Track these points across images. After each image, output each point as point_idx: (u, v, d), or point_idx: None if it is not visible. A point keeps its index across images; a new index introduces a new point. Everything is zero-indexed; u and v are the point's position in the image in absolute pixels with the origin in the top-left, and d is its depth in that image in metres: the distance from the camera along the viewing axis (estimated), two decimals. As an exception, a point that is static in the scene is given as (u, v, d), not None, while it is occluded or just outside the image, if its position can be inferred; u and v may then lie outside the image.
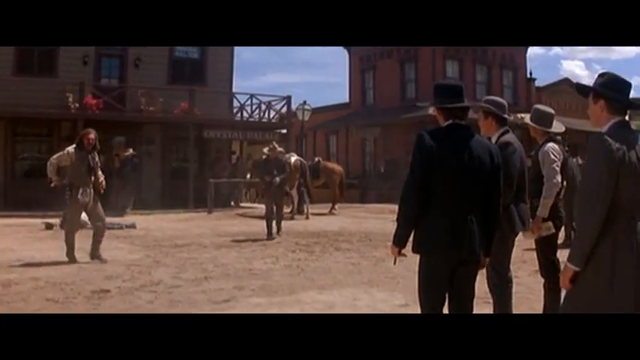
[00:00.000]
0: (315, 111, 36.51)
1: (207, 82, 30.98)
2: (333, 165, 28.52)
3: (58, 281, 10.48)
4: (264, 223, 17.16)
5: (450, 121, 5.38)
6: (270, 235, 16.90)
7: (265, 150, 18.58)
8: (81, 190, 12.53)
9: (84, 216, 19.70)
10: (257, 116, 32.04)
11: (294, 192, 24.30)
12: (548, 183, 7.52)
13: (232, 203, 31.31)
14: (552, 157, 7.64)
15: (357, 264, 12.76)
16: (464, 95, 5.49)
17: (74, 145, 12.79)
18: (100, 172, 12.97)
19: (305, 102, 33.91)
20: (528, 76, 45.53)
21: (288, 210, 25.62)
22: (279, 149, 18.58)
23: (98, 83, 28.74)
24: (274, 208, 17.59)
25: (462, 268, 5.32)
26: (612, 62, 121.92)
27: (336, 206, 26.71)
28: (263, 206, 29.41)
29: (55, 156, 13.07)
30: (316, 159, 27.62)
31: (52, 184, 13.06)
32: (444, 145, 5.24)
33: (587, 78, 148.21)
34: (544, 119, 7.97)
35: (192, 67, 31.01)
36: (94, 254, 12.80)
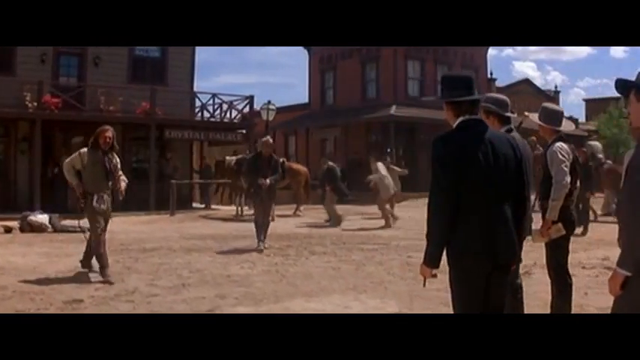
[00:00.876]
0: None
1: (168, 81, 30.44)
2: (298, 166, 28.05)
3: (26, 290, 9.86)
4: (230, 225, 16.52)
5: (462, 118, 4.91)
6: (260, 244, 14.76)
7: (257, 145, 16.09)
8: (96, 197, 10.87)
9: (44, 218, 19.27)
10: (219, 116, 31.42)
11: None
12: (557, 184, 7.16)
13: (205, 205, 31.00)
14: (561, 157, 7.29)
15: (338, 268, 12.28)
16: (474, 87, 5.00)
17: (88, 145, 11.12)
18: (121, 174, 11.34)
19: (269, 102, 33.35)
20: (489, 76, 45.53)
21: (252, 212, 25.29)
22: (269, 145, 15.75)
23: (57, 82, 27.96)
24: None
25: (497, 272, 4.85)
26: (563, 63, 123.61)
27: (301, 207, 26.28)
28: (226, 208, 29.29)
29: (67, 159, 11.28)
30: (281, 159, 27.01)
31: (79, 192, 11.09)
32: (465, 146, 4.79)
33: (539, 79, 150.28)
34: (553, 117, 7.62)
35: (152, 66, 30.43)
36: (86, 264, 11.47)
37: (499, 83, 46.61)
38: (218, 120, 31.18)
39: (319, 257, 13.78)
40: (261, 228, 15.13)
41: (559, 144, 7.39)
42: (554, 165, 7.23)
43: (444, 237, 4.72)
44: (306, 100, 46.79)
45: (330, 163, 23.31)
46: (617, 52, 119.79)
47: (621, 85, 4.52)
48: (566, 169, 7.24)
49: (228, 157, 27.30)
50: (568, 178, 7.22)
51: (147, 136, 28.27)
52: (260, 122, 32.91)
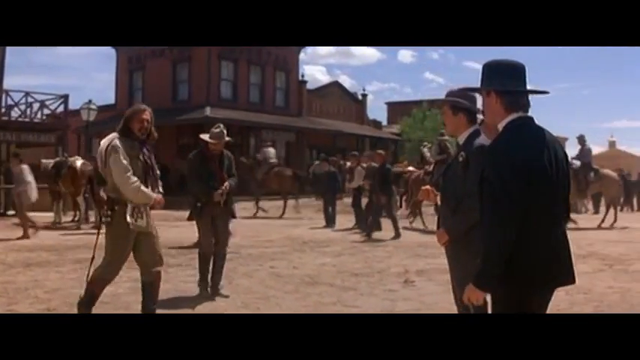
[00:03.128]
0: (77, 113, 33.97)
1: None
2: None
3: None
4: (53, 234, 14.59)
5: (515, 115, 4.16)
6: (205, 290, 10.33)
7: (205, 137, 10.41)
8: (130, 208, 7.57)
9: None
10: (30, 116, 29.14)
11: (80, 199, 22.36)
12: None
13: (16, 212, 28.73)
14: None
15: (209, 283, 11.15)
16: (526, 80, 4.28)
17: (115, 135, 7.60)
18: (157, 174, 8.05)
19: (90, 101, 31.38)
20: (300, 78, 45.48)
21: (76, 219, 23.61)
22: (228, 138, 10.45)
23: None
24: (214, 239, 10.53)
25: (548, 295, 4.27)
26: (353, 67, 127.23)
27: (127, 212, 24.81)
28: (38, 214, 27.26)
29: (121, 171, 7.43)
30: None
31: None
32: (534, 152, 4.04)
33: (326, 83, 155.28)
34: None
35: (-43, 61, 27.82)
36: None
37: (308, 86, 46.75)
38: (28, 120, 29.08)
39: (179, 269, 12.66)
40: (209, 263, 10.48)
41: None
42: None
43: (505, 257, 3.92)
44: (107, 101, 44.83)
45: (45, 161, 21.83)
46: (405, 57, 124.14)
47: None
48: None
49: (44, 160, 25.37)
50: None
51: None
52: (73, 123, 31.10)
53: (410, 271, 12.45)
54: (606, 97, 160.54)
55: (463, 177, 5.51)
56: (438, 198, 6.08)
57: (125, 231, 7.60)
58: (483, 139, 5.74)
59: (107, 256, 7.85)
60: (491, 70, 4.26)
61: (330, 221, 22.64)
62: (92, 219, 22.36)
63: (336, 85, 50.69)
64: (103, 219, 7.77)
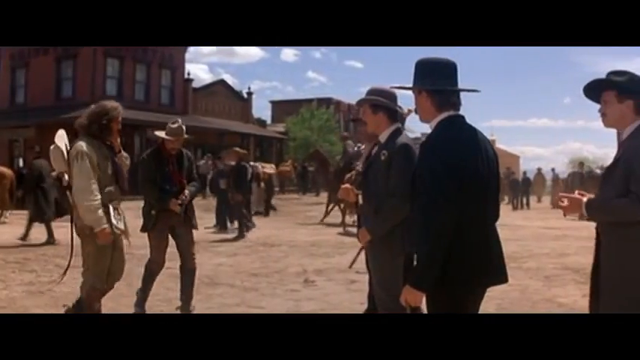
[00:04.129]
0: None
1: None
2: (2, 169, 25.58)
3: None
4: None
5: (447, 114, 4.16)
6: (139, 307, 8.86)
7: (161, 133, 9.01)
8: (112, 210, 6.86)
9: None
10: None
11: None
12: None
13: None
14: None
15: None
16: (457, 77, 4.28)
17: (82, 138, 6.97)
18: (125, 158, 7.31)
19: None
20: (186, 76, 45.14)
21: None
22: (179, 133, 8.92)
23: None
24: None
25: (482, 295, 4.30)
26: (236, 66, 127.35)
27: (7, 213, 24.08)
28: None
29: (82, 179, 6.74)
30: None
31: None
32: (467, 150, 4.06)
33: (211, 81, 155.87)
34: None
35: None
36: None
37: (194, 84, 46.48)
38: None
39: (69, 271, 12.23)
40: (154, 281, 9.02)
41: None
42: None
43: (442, 257, 3.89)
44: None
45: None
46: (288, 56, 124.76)
47: (596, 86, 4.21)
48: None
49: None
50: None
51: None
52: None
53: (308, 271, 12.44)
54: (485, 96, 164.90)
55: (386, 176, 5.47)
56: (360, 197, 6.05)
57: (111, 232, 6.78)
58: (406, 138, 5.74)
59: (93, 268, 6.90)
60: (423, 69, 4.25)
61: (223, 222, 22.37)
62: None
63: (221, 84, 50.45)
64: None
